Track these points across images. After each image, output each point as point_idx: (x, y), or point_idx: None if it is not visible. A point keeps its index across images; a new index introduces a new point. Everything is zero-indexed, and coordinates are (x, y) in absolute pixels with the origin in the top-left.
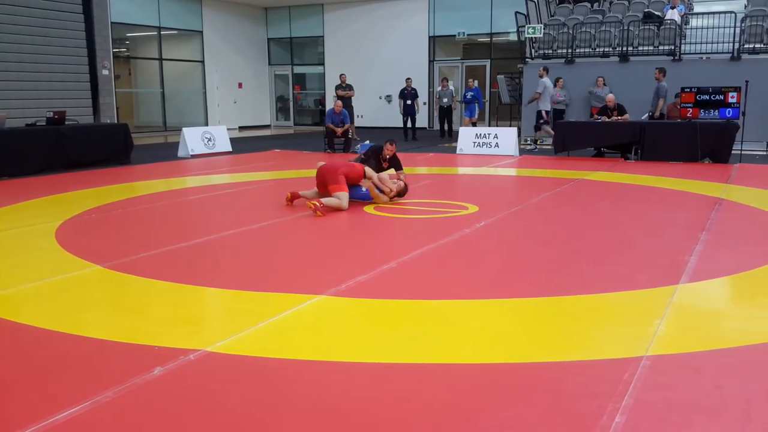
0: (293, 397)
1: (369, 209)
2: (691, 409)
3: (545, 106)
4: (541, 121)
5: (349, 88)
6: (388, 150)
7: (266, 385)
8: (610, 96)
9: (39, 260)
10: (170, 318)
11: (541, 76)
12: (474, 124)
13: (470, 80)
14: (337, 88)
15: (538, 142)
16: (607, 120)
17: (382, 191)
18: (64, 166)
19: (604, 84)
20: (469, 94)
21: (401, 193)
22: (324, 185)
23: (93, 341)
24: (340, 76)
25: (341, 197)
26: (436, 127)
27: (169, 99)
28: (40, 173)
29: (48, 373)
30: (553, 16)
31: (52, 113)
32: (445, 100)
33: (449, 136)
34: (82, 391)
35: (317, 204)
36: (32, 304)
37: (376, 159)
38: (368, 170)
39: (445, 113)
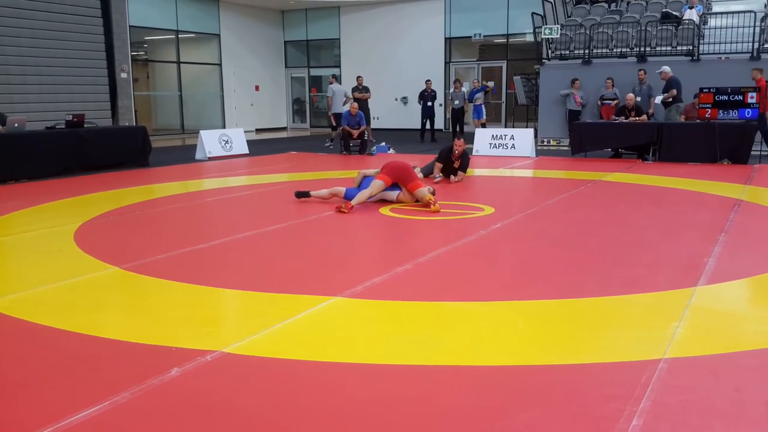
0: (309, 398)
1: (385, 211)
2: (710, 412)
3: (336, 110)
4: (334, 124)
5: (366, 90)
6: (458, 146)
7: (283, 386)
8: (630, 95)
9: (58, 262)
10: (187, 319)
11: (330, 83)
12: (483, 126)
13: (475, 81)
14: (354, 90)
15: (333, 142)
16: (624, 121)
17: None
18: (83, 168)
19: (613, 85)
20: (477, 94)
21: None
22: (401, 181)
23: (111, 342)
24: (357, 78)
25: (425, 191)
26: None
27: (187, 102)
28: (59, 176)
29: (66, 374)
30: (569, 16)
31: (71, 116)
32: (457, 102)
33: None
34: (101, 391)
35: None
36: (51, 305)
37: (447, 158)
38: (421, 191)
39: (457, 115)
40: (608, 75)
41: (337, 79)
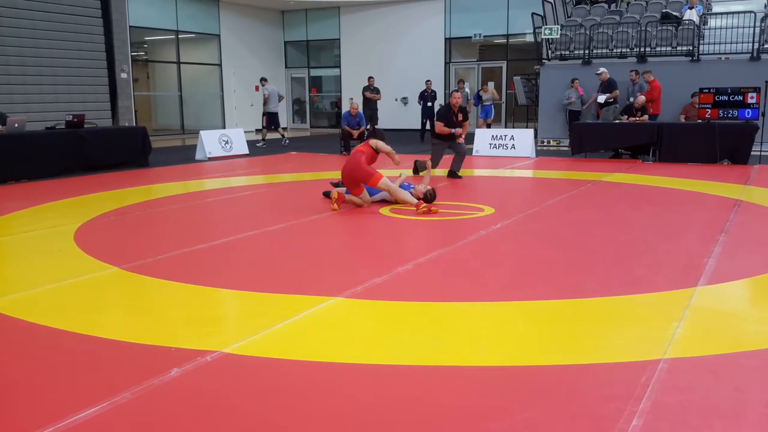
0: (309, 398)
1: (385, 211)
2: (710, 412)
3: (270, 108)
4: (264, 125)
5: (377, 91)
6: (456, 98)
7: (283, 386)
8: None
9: (58, 262)
10: (187, 319)
11: (263, 85)
12: (489, 126)
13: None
14: (365, 90)
15: (265, 141)
16: (624, 121)
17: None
18: (83, 168)
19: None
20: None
21: (428, 197)
22: (361, 181)
23: (111, 342)
24: (369, 78)
25: (386, 181)
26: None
27: (187, 102)
28: (60, 176)
29: (66, 374)
30: (569, 17)
31: (71, 116)
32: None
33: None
34: (100, 391)
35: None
36: (51, 305)
37: (447, 115)
38: (384, 182)
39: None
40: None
41: (267, 80)
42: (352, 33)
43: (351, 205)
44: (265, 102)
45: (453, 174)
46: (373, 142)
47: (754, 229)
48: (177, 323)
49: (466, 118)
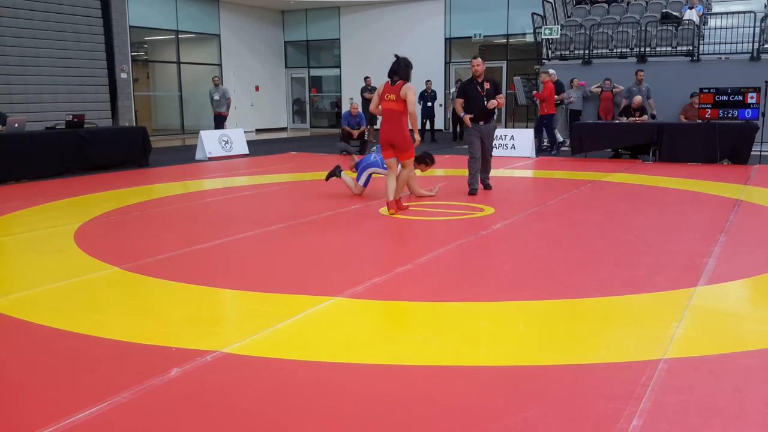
0: (309, 398)
1: (385, 210)
2: (710, 412)
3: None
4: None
5: (374, 90)
6: (477, 65)
7: (283, 386)
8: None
9: (58, 262)
10: (187, 319)
11: (216, 85)
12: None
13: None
14: (364, 90)
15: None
16: (624, 121)
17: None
18: (83, 168)
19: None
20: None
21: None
22: (391, 146)
23: (111, 342)
24: (365, 78)
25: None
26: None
27: (187, 102)
28: (60, 176)
29: (66, 374)
30: (569, 16)
31: (71, 116)
32: None
33: (461, 138)
34: (100, 391)
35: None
36: (51, 305)
37: (469, 89)
38: (409, 162)
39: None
40: (607, 75)
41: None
42: (352, 33)
43: (346, 189)
44: (212, 100)
45: (484, 185)
46: (403, 92)
47: (754, 229)
48: (177, 323)
49: (497, 90)
